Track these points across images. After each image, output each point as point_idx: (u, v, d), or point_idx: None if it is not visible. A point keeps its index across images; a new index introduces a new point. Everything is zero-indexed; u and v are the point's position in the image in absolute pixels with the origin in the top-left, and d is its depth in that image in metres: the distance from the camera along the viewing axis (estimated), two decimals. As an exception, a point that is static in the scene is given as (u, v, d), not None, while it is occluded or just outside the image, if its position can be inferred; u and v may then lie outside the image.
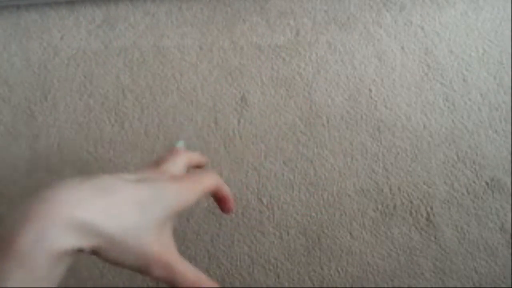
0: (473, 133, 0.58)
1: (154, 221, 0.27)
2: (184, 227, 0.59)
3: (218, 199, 0.34)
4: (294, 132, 0.59)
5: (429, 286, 0.55)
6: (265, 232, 0.58)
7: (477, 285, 0.54)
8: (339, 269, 0.56)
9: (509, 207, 0.55)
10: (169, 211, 0.27)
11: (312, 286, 0.57)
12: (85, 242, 0.24)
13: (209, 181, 0.32)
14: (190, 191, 0.29)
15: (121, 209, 0.25)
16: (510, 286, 0.54)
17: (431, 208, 0.56)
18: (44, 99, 0.64)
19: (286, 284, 0.57)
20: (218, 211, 0.59)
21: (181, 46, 0.62)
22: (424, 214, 0.56)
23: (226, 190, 0.34)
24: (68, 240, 0.24)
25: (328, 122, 0.58)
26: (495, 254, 0.54)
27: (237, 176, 0.59)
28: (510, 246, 0.54)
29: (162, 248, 0.27)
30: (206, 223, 0.59)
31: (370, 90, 0.58)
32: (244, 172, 0.59)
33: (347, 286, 0.56)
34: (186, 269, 0.28)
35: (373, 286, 0.56)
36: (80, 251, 0.25)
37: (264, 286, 0.57)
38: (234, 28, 0.61)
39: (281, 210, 0.58)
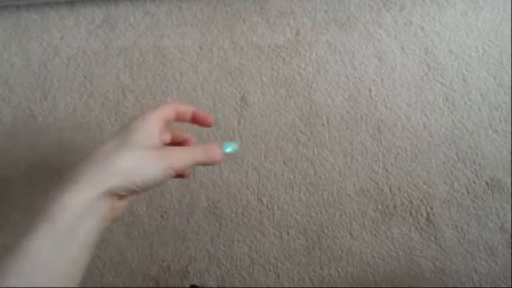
0: (473, 133, 0.58)
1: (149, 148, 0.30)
2: (184, 227, 0.59)
3: (193, 121, 0.37)
4: (294, 132, 0.59)
5: (429, 286, 0.55)
6: (265, 232, 0.58)
7: (477, 285, 0.54)
8: (339, 269, 0.56)
9: (509, 207, 0.55)
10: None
11: (312, 286, 0.57)
12: (96, 187, 0.26)
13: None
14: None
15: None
16: (510, 286, 0.54)
17: (431, 208, 0.56)
18: (44, 99, 0.64)
19: (286, 284, 0.57)
20: (218, 211, 0.59)
21: (181, 46, 0.62)
22: (424, 214, 0.56)
23: (189, 110, 0.36)
24: (81, 195, 0.25)
25: (328, 122, 0.58)
26: (495, 254, 0.54)
27: (237, 176, 0.59)
28: (510, 246, 0.54)
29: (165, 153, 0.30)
30: (206, 223, 0.59)
31: (370, 90, 0.58)
32: (244, 172, 0.59)
33: (347, 286, 0.56)
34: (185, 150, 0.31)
35: (373, 286, 0.56)
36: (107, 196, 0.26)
37: (264, 286, 0.57)
38: (234, 28, 0.61)
39: (281, 210, 0.58)
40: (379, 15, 0.59)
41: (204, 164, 0.32)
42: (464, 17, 0.58)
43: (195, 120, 0.37)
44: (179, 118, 0.36)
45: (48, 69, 0.64)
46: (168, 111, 0.34)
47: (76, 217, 0.25)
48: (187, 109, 0.36)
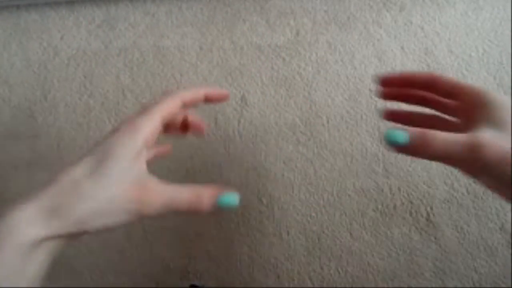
0: (473, 133, 0.58)
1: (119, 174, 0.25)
2: (184, 227, 0.59)
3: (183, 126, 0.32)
4: (294, 132, 0.59)
5: (429, 286, 0.55)
6: (265, 232, 0.58)
7: (477, 285, 0.54)
8: (339, 269, 0.56)
9: (509, 207, 0.55)
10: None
11: (312, 286, 0.57)
12: (49, 230, 0.23)
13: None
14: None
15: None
16: (510, 286, 0.54)
17: (431, 208, 0.56)
18: (44, 99, 0.64)
19: (286, 284, 0.57)
20: (218, 211, 0.59)
21: (181, 46, 0.62)
22: (424, 214, 0.56)
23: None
24: (33, 231, 0.23)
25: (328, 122, 0.58)
26: (495, 254, 0.54)
27: (237, 176, 0.59)
28: (510, 246, 0.54)
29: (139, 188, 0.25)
30: (206, 223, 0.59)
31: (370, 90, 0.58)
32: (244, 172, 0.59)
33: (347, 286, 0.56)
34: (174, 192, 0.26)
35: (373, 286, 0.56)
36: (52, 238, 0.24)
37: (264, 286, 0.57)
38: (234, 28, 0.61)
39: (281, 210, 0.58)
40: (379, 15, 0.59)
41: (186, 211, 0.27)
42: (464, 17, 0.58)
43: (209, 101, 0.32)
44: (189, 106, 0.31)
45: (48, 69, 0.64)
46: (171, 108, 0.29)
47: (24, 253, 0.23)
48: (197, 96, 0.31)
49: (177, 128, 0.33)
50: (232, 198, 0.28)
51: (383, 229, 0.56)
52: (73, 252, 0.61)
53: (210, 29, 0.62)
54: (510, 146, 0.24)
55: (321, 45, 0.60)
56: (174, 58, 0.62)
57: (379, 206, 0.57)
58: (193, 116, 0.33)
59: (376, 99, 0.58)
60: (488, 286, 0.54)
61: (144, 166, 0.27)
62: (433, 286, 0.55)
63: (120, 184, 0.25)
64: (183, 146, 0.60)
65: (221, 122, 0.60)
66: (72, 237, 0.25)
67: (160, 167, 0.60)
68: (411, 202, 0.56)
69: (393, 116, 0.38)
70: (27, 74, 0.65)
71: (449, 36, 0.58)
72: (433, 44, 0.58)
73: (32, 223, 0.23)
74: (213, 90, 0.32)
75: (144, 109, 0.29)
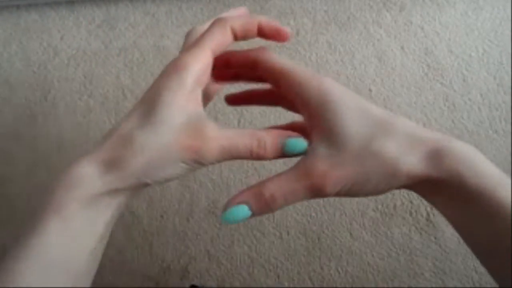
0: (473, 133, 0.58)
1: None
2: (184, 227, 0.59)
3: (265, 35, 0.26)
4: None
5: (429, 286, 0.55)
6: (265, 232, 0.58)
7: (477, 285, 0.54)
8: (339, 269, 0.56)
9: (509, 207, 0.55)
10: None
11: (312, 286, 0.57)
12: (109, 184, 0.22)
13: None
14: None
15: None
16: (510, 286, 0.54)
17: (431, 208, 0.56)
18: (44, 99, 0.64)
19: (286, 284, 0.57)
20: (218, 211, 0.59)
21: (181, 46, 0.62)
22: (424, 214, 0.56)
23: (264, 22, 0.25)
24: (96, 185, 0.22)
25: (328, 122, 0.58)
26: (495, 254, 0.54)
27: (237, 176, 0.59)
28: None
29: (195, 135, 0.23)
30: (206, 223, 0.59)
31: (370, 90, 0.58)
32: (244, 172, 0.59)
33: (347, 286, 0.56)
34: (231, 135, 0.23)
35: (373, 286, 0.56)
36: (116, 191, 0.23)
37: (264, 286, 0.57)
38: (234, 28, 0.61)
39: (281, 210, 0.58)
40: (379, 15, 0.59)
41: (248, 158, 0.24)
42: (464, 17, 0.58)
43: (264, 35, 0.26)
44: (240, 38, 0.26)
45: (48, 69, 0.64)
46: (221, 39, 0.25)
47: (91, 208, 0.22)
48: (251, 26, 0.25)
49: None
50: (299, 142, 0.24)
51: (383, 229, 0.56)
52: (73, 252, 0.61)
53: (210, 29, 0.62)
54: (349, 169, 0.22)
55: (321, 45, 0.60)
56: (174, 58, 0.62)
57: (379, 206, 0.57)
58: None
59: (376, 99, 0.58)
60: (488, 286, 0.54)
61: (199, 108, 0.24)
62: (433, 286, 0.55)
63: (173, 131, 0.23)
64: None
65: (221, 122, 0.60)
66: (134, 190, 0.24)
67: (160, 167, 0.60)
68: (411, 202, 0.56)
69: (235, 100, 0.34)
70: (27, 74, 0.65)
71: (449, 36, 0.58)
72: (433, 44, 0.58)
73: (93, 177, 0.22)
74: (270, 23, 0.26)
75: (189, 43, 0.25)
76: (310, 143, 0.24)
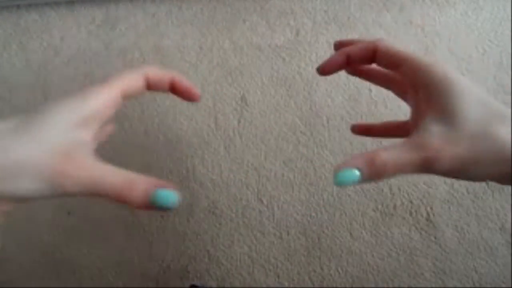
0: (473, 133, 0.58)
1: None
2: (184, 227, 0.59)
3: (176, 90, 0.28)
4: (294, 132, 0.59)
5: (429, 286, 0.55)
6: (265, 232, 0.58)
7: (477, 285, 0.54)
8: (339, 269, 0.56)
9: (509, 207, 0.55)
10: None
11: (312, 286, 0.57)
12: None
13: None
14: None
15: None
16: (510, 286, 0.54)
17: (431, 208, 0.56)
18: (44, 99, 0.64)
19: (286, 284, 0.57)
20: (218, 211, 0.59)
21: (181, 46, 0.62)
22: (424, 214, 0.56)
23: (176, 78, 0.27)
24: None
25: (328, 122, 0.58)
26: (495, 254, 0.54)
27: (237, 176, 0.59)
28: (510, 246, 0.54)
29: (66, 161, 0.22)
30: (206, 223, 0.59)
31: (370, 90, 0.58)
32: (244, 172, 0.59)
33: (347, 286, 0.56)
34: (105, 174, 0.22)
35: (373, 286, 0.56)
36: None
37: (264, 286, 0.57)
38: (234, 28, 0.61)
39: (281, 210, 0.58)
40: (379, 15, 0.59)
41: (114, 199, 0.22)
42: (464, 17, 0.58)
43: (175, 90, 0.28)
44: (152, 87, 0.28)
45: (48, 69, 0.64)
46: (133, 82, 0.26)
47: None
48: (164, 78, 0.27)
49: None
50: (170, 196, 0.22)
51: (383, 229, 0.56)
52: (73, 252, 0.61)
53: (210, 29, 0.62)
54: (463, 148, 0.23)
55: (321, 45, 0.60)
56: (174, 58, 0.62)
57: (379, 206, 0.57)
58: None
59: (376, 99, 0.58)
60: (488, 286, 0.54)
61: (86, 138, 0.24)
62: (433, 286, 0.55)
63: (45, 145, 0.22)
64: (183, 146, 0.60)
65: (221, 122, 0.60)
66: None
67: (160, 167, 0.60)
68: (411, 202, 0.56)
69: (362, 131, 0.38)
70: (27, 74, 0.65)
71: (449, 36, 0.58)
72: (433, 44, 0.58)
73: None
74: (182, 81, 0.28)
75: (103, 81, 0.26)
76: (417, 125, 0.25)
